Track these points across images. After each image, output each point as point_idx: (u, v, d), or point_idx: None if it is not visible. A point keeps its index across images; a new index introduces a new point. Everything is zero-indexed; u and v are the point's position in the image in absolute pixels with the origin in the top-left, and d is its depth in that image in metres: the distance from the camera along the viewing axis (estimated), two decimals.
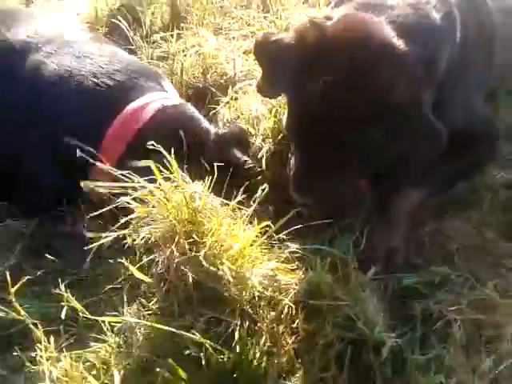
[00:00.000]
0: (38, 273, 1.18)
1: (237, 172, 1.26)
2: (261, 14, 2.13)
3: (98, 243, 0.99)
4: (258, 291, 1.01)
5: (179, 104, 1.36)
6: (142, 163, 1.00)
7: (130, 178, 0.99)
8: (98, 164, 1.04)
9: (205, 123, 1.35)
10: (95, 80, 1.28)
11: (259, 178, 1.31)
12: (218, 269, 0.98)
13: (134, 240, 1.01)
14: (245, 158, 1.30)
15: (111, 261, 1.14)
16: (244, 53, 1.93)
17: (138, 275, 1.00)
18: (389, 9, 1.16)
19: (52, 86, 1.29)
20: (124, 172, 0.99)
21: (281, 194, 1.29)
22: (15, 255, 1.21)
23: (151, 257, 1.01)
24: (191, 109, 1.38)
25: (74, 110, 1.27)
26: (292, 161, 1.24)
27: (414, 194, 1.26)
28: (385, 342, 0.97)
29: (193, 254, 0.98)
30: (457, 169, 1.32)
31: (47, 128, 1.26)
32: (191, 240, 0.98)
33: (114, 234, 0.98)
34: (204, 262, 0.96)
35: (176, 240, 0.97)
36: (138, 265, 1.01)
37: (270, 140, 1.39)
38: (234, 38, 2.02)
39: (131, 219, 0.99)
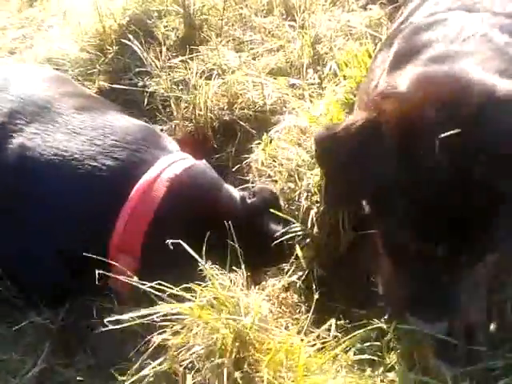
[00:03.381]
0: (71, 373, 1.07)
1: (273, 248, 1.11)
2: (285, 22, 1.92)
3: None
4: None
5: (192, 167, 1.14)
6: None
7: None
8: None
9: (227, 189, 1.17)
10: (92, 163, 1.06)
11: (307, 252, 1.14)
12: None
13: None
14: (281, 229, 1.13)
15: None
16: (269, 73, 1.74)
17: None
18: (468, 56, 0.96)
19: (40, 179, 1.07)
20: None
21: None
22: (45, 356, 1.09)
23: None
24: (206, 170, 1.18)
25: (71, 206, 1.06)
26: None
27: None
28: None
29: None
30: None
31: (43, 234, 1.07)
32: (242, 375, 0.84)
33: (150, 365, 0.85)
34: None
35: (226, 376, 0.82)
36: None
37: (317, 198, 1.22)
38: (257, 54, 1.82)
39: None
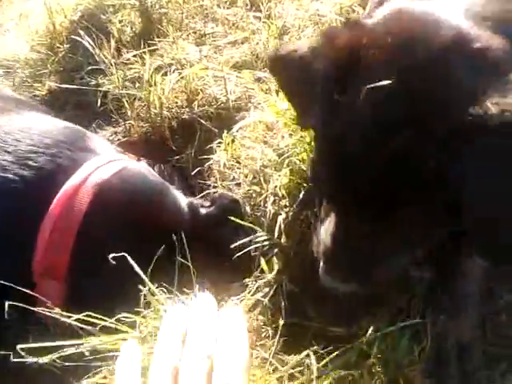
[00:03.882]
0: None
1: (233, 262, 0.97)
2: (250, 13, 1.78)
3: None
4: None
5: (124, 169, 0.96)
6: None
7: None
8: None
9: (172, 194, 1.00)
10: (3, 174, 0.86)
11: (274, 264, 0.99)
12: None
13: None
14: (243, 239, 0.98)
15: None
16: (233, 67, 1.59)
17: None
18: None
19: None
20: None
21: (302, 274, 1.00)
22: None
23: None
24: (142, 171, 1.00)
25: None
26: (320, 229, 0.88)
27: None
28: None
29: None
30: None
31: None
32: None
33: None
34: None
35: None
36: None
37: (286, 202, 1.07)
38: (220, 47, 1.68)
39: None
